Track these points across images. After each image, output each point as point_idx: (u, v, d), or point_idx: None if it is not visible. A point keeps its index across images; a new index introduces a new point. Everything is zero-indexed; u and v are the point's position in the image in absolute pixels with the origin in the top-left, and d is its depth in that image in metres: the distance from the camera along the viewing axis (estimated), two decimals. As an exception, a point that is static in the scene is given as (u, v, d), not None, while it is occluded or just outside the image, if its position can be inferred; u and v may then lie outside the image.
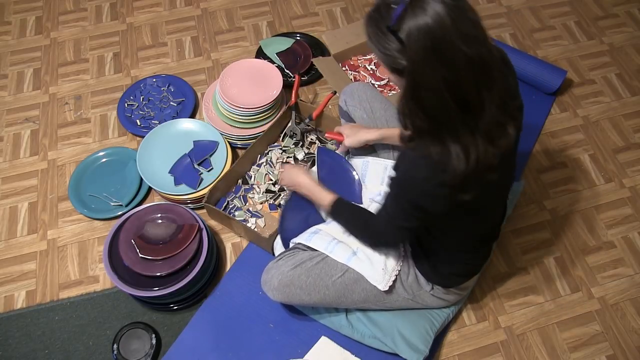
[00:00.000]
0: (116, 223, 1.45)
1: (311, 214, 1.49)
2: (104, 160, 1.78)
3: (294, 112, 1.76)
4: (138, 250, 1.39)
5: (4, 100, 1.97)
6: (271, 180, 1.70)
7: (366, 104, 1.48)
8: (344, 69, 1.99)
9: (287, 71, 1.98)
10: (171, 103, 1.90)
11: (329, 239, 1.32)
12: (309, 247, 1.34)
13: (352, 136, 1.44)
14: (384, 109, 1.48)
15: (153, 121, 1.85)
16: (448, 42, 0.84)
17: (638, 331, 1.52)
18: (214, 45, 2.13)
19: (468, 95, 0.89)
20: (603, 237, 1.69)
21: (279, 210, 1.64)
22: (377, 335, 1.38)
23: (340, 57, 1.97)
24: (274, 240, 1.55)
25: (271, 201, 1.67)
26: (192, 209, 1.58)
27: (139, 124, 1.85)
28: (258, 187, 1.69)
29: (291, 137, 1.77)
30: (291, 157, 1.73)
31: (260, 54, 2.04)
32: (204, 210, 1.66)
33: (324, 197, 1.29)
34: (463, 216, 1.07)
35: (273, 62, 2.00)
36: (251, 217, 1.64)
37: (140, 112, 1.88)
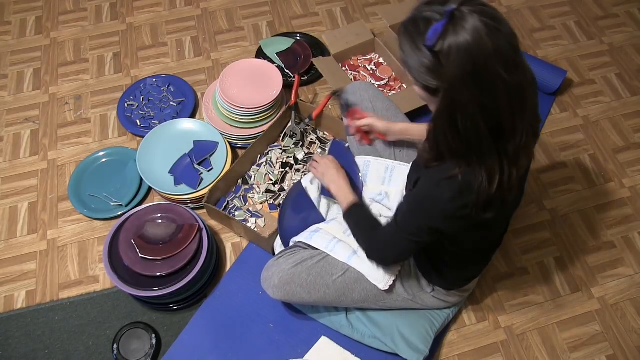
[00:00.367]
0: (116, 223, 1.45)
1: (310, 214, 1.49)
2: (104, 160, 1.78)
3: (294, 112, 1.76)
4: (138, 250, 1.39)
5: (4, 100, 1.97)
6: (271, 180, 1.70)
7: (368, 103, 1.48)
8: (344, 69, 1.99)
9: (287, 71, 1.98)
10: (171, 103, 1.90)
11: (330, 238, 1.32)
12: (309, 246, 1.34)
13: (378, 120, 1.41)
14: (386, 109, 1.48)
15: (153, 121, 1.85)
16: (488, 68, 0.81)
17: (638, 331, 1.52)
18: (214, 45, 2.13)
19: (503, 121, 0.87)
20: (603, 237, 1.69)
21: (278, 210, 1.64)
22: (377, 335, 1.38)
23: (340, 57, 1.97)
24: (274, 240, 1.55)
25: (271, 201, 1.67)
26: (192, 209, 1.58)
27: (139, 124, 1.85)
28: (258, 187, 1.70)
29: (291, 137, 1.77)
30: (291, 157, 1.73)
31: (260, 54, 2.04)
32: (204, 210, 1.66)
33: (348, 196, 1.29)
34: (474, 231, 1.07)
35: (273, 62, 2.00)
36: (251, 217, 1.64)
37: (140, 112, 1.88)
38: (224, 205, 1.65)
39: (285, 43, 2.07)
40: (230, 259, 1.61)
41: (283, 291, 1.28)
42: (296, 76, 1.80)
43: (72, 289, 1.56)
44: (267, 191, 1.68)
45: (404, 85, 1.95)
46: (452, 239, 1.11)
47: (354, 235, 1.26)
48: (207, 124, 1.75)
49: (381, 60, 2.03)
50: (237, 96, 1.69)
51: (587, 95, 2.04)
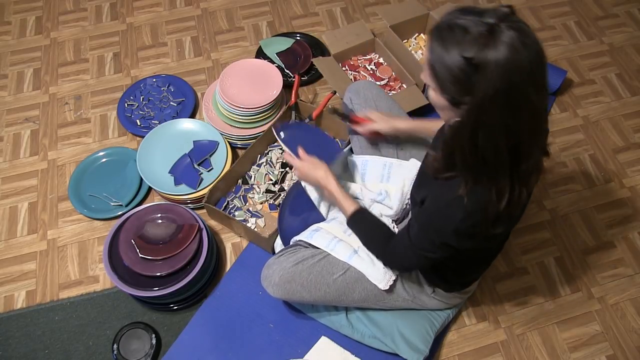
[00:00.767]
0: (116, 223, 1.45)
1: (311, 213, 1.49)
2: (104, 160, 1.78)
3: (294, 112, 1.76)
4: (138, 250, 1.39)
5: (4, 100, 1.97)
6: (271, 180, 1.70)
7: (372, 102, 1.48)
8: (344, 69, 1.99)
9: (287, 71, 1.98)
10: (171, 103, 1.90)
11: (330, 237, 1.32)
12: (310, 245, 1.34)
13: (383, 121, 1.39)
14: (389, 108, 1.48)
15: (153, 121, 1.85)
16: (520, 88, 0.80)
17: (638, 331, 1.52)
18: (214, 45, 2.13)
19: (522, 142, 0.87)
20: (603, 237, 1.69)
21: (278, 210, 1.64)
22: (377, 335, 1.38)
23: (340, 57, 1.97)
24: (274, 240, 1.55)
25: (271, 201, 1.67)
26: (192, 209, 1.58)
27: (139, 124, 1.85)
28: (258, 187, 1.69)
29: (291, 137, 1.77)
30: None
31: (260, 54, 2.04)
32: (204, 210, 1.66)
33: (346, 204, 1.26)
34: (482, 243, 1.07)
35: (273, 62, 2.00)
36: (251, 217, 1.64)
37: (140, 112, 1.88)
38: (224, 205, 1.65)
39: (285, 43, 2.07)
40: (230, 259, 1.61)
41: (283, 290, 1.28)
42: (296, 76, 1.80)
43: (72, 289, 1.56)
44: (267, 191, 1.68)
45: (403, 85, 1.95)
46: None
47: (364, 244, 1.25)
48: (207, 124, 1.75)
49: (381, 60, 2.03)
50: (237, 96, 1.69)
51: (587, 95, 2.04)
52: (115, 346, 1.41)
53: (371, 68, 2.00)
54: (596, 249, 1.67)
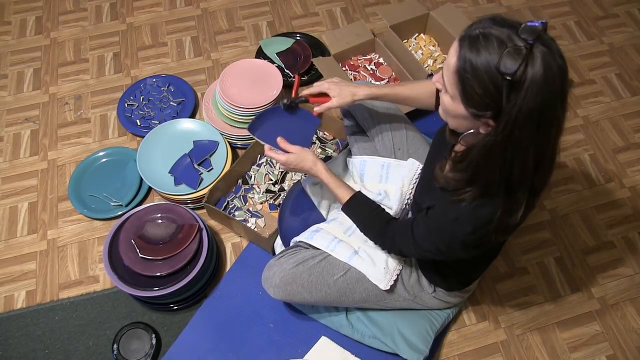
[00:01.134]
0: (116, 223, 1.45)
1: (311, 213, 1.49)
2: (104, 160, 1.78)
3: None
4: (138, 250, 1.39)
5: (4, 100, 1.97)
6: (271, 180, 1.70)
7: (369, 103, 1.48)
8: (344, 69, 1.99)
9: (287, 71, 1.98)
10: (171, 103, 1.90)
11: (331, 238, 1.32)
12: (310, 246, 1.34)
13: (339, 95, 1.31)
14: (386, 107, 1.48)
15: (153, 121, 1.85)
16: (551, 105, 0.79)
17: (638, 331, 1.52)
18: (214, 45, 2.13)
19: (545, 156, 0.86)
20: (603, 237, 1.69)
21: (278, 210, 1.64)
22: (377, 335, 1.38)
23: (340, 57, 1.97)
24: (274, 240, 1.55)
25: (271, 201, 1.67)
26: (192, 209, 1.58)
27: (139, 124, 1.85)
28: (258, 187, 1.69)
29: (291, 137, 1.77)
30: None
31: (260, 54, 2.04)
32: (204, 210, 1.66)
33: (339, 192, 1.25)
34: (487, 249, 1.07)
35: (273, 62, 2.00)
36: (251, 217, 1.64)
37: (140, 112, 1.88)
38: (224, 205, 1.65)
39: (285, 43, 2.07)
40: (230, 259, 1.61)
41: (284, 291, 1.28)
42: (296, 76, 1.81)
43: (72, 289, 1.56)
44: (267, 191, 1.68)
45: (404, 85, 1.95)
46: None
47: (361, 230, 1.24)
48: (207, 124, 1.75)
49: (381, 60, 2.03)
50: (237, 96, 1.69)
51: (587, 95, 2.04)
52: (115, 346, 1.41)
53: (371, 68, 2.00)
54: (596, 249, 1.67)
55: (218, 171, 1.66)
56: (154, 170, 1.65)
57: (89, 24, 2.19)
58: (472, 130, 0.91)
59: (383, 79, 1.96)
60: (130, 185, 1.70)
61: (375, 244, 1.24)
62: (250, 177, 1.72)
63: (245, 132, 1.74)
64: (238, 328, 1.47)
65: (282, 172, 1.70)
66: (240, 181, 1.71)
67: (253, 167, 1.74)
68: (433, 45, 2.08)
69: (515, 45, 0.77)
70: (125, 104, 1.91)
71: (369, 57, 2.04)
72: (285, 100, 1.37)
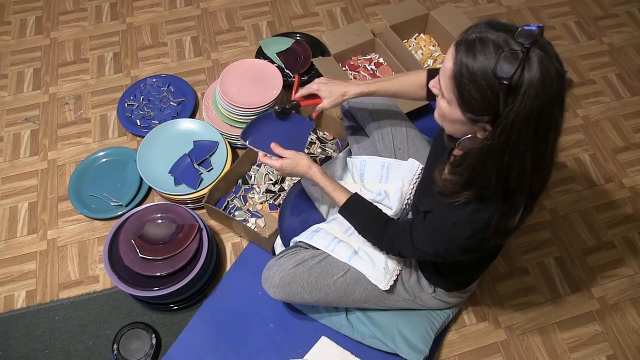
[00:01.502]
0: (116, 223, 1.45)
1: (311, 213, 1.49)
2: (104, 160, 1.78)
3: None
4: (138, 250, 1.39)
5: (4, 100, 1.97)
6: (271, 180, 1.70)
7: (369, 103, 1.48)
8: (344, 69, 1.99)
9: (287, 71, 1.98)
10: (171, 103, 1.90)
11: (330, 238, 1.32)
12: (310, 246, 1.34)
13: (330, 96, 1.31)
14: (386, 107, 1.48)
15: (153, 121, 1.85)
16: (550, 109, 0.79)
17: (638, 331, 1.52)
18: (214, 45, 2.13)
19: (542, 160, 0.86)
20: (603, 237, 1.69)
21: (278, 210, 1.64)
22: (377, 335, 1.38)
23: (340, 57, 1.97)
24: (274, 240, 1.55)
25: (271, 201, 1.67)
26: (192, 209, 1.58)
27: (139, 124, 1.85)
28: (258, 187, 1.69)
29: (291, 137, 1.77)
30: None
31: (260, 54, 2.04)
32: (204, 210, 1.66)
33: (336, 194, 1.25)
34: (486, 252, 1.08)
35: (273, 62, 2.00)
36: (251, 217, 1.64)
37: (140, 112, 1.88)
38: (224, 205, 1.65)
39: (285, 43, 2.07)
40: (230, 259, 1.61)
41: (284, 291, 1.28)
42: (296, 76, 1.80)
43: (72, 289, 1.56)
44: (267, 191, 1.68)
45: (404, 85, 1.95)
46: None
47: (358, 232, 1.24)
48: (207, 124, 1.75)
49: (381, 60, 2.03)
50: (237, 96, 1.69)
51: (587, 95, 2.04)
52: (115, 346, 1.41)
53: (371, 68, 2.00)
54: (596, 249, 1.67)
55: (218, 171, 1.66)
56: (154, 170, 1.65)
57: (89, 24, 2.19)
58: (469, 135, 0.90)
59: (383, 79, 1.96)
60: (130, 185, 1.70)
61: (374, 245, 1.24)
62: (250, 177, 1.72)
63: (245, 132, 1.74)
64: (238, 328, 1.47)
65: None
66: (240, 181, 1.71)
67: (253, 167, 1.74)
68: (433, 45, 2.08)
69: (512, 50, 0.76)
70: (125, 104, 1.91)
71: (369, 57, 2.04)
72: (276, 107, 1.37)
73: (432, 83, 0.93)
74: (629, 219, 1.73)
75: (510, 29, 0.79)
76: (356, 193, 1.25)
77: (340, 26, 2.20)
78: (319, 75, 1.96)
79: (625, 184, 1.81)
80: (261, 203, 1.67)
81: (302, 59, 2.01)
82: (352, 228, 1.37)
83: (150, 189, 1.72)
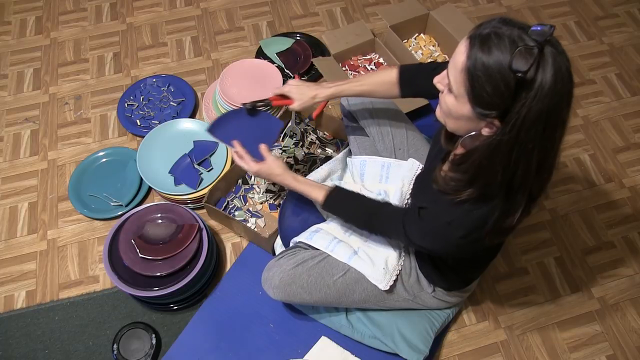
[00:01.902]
0: (116, 223, 1.45)
1: (311, 213, 1.49)
2: (104, 160, 1.78)
3: (294, 112, 1.76)
4: (138, 250, 1.39)
5: (4, 100, 1.97)
6: (271, 180, 1.70)
7: (368, 103, 1.48)
8: (344, 69, 1.99)
9: (287, 71, 1.98)
10: (171, 103, 1.90)
11: (330, 238, 1.32)
12: (310, 246, 1.34)
13: (300, 99, 1.32)
14: (386, 107, 1.48)
15: (153, 121, 1.85)
16: (559, 109, 0.79)
17: (638, 331, 1.52)
18: (214, 45, 2.13)
19: (547, 160, 0.86)
20: (603, 237, 1.69)
21: (278, 210, 1.64)
22: (377, 335, 1.38)
23: (340, 57, 1.97)
24: (274, 240, 1.55)
25: (271, 201, 1.67)
26: (192, 209, 1.58)
27: (139, 124, 1.85)
28: (258, 187, 1.69)
29: (291, 137, 1.77)
30: (291, 157, 1.73)
31: (260, 54, 2.04)
32: (204, 210, 1.66)
33: (314, 193, 1.24)
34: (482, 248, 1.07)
35: (273, 62, 2.00)
36: (251, 217, 1.64)
37: (140, 112, 1.88)
38: (224, 205, 1.65)
39: (285, 43, 2.07)
40: (230, 259, 1.61)
41: (284, 292, 1.28)
42: (296, 76, 1.80)
43: (72, 289, 1.56)
44: (267, 191, 1.68)
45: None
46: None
47: (346, 222, 1.23)
48: (207, 124, 1.75)
49: (381, 60, 2.03)
50: (237, 96, 1.69)
51: (587, 95, 2.04)
52: (115, 346, 1.41)
53: (371, 68, 2.00)
54: (596, 249, 1.67)
55: (218, 171, 1.66)
56: (154, 170, 1.65)
57: (89, 24, 2.19)
58: (473, 133, 0.90)
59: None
60: (130, 185, 1.70)
61: (362, 230, 1.24)
62: (250, 177, 1.72)
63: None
64: (238, 328, 1.47)
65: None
66: (240, 181, 1.71)
67: (253, 167, 1.74)
68: (433, 45, 2.08)
69: (527, 45, 0.77)
70: (125, 104, 1.91)
71: (369, 57, 2.04)
72: (247, 104, 1.37)
73: (437, 79, 0.92)
74: (629, 219, 1.73)
75: (522, 26, 0.80)
76: (336, 186, 1.24)
77: (340, 26, 2.20)
78: (319, 75, 1.96)
79: (625, 184, 1.81)
80: (261, 203, 1.67)
81: (302, 59, 2.01)
82: (353, 228, 1.37)
83: (150, 189, 1.72)
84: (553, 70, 0.77)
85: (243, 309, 1.50)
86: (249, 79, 1.75)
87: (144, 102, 1.91)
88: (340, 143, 1.79)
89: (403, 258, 1.30)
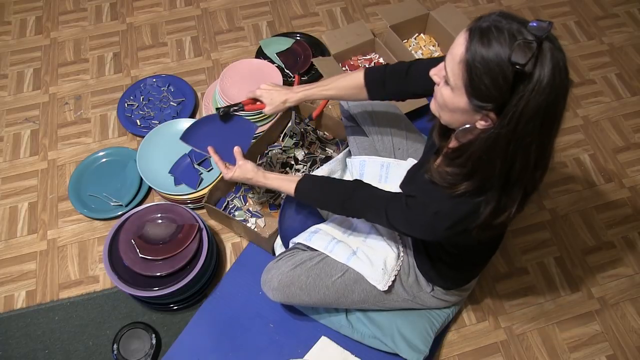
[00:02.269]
0: (116, 223, 1.45)
1: (311, 214, 1.49)
2: (104, 160, 1.78)
3: (294, 112, 1.76)
4: (138, 250, 1.39)
5: (4, 100, 1.97)
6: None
7: (368, 105, 1.48)
8: (344, 69, 1.99)
9: (287, 71, 1.98)
10: (171, 103, 1.90)
11: (329, 239, 1.32)
12: (308, 247, 1.34)
13: (271, 103, 1.33)
14: (386, 108, 1.48)
15: (153, 121, 1.85)
16: (557, 103, 0.80)
17: (638, 331, 1.52)
18: (214, 45, 2.13)
19: (542, 155, 0.86)
20: (603, 237, 1.69)
21: (278, 210, 1.64)
22: (377, 335, 1.38)
23: (340, 57, 1.97)
24: (274, 241, 1.55)
25: (271, 201, 1.67)
26: (192, 209, 1.58)
27: (139, 124, 1.85)
28: (258, 187, 1.69)
29: (291, 137, 1.77)
30: (291, 157, 1.73)
31: (260, 54, 2.04)
32: (204, 210, 1.66)
33: (285, 186, 1.26)
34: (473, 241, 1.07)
35: (273, 62, 2.00)
36: (251, 217, 1.64)
37: (140, 112, 1.88)
38: (224, 205, 1.65)
39: (285, 43, 2.07)
40: (230, 259, 1.61)
41: (283, 293, 1.28)
42: (296, 76, 1.80)
43: (72, 289, 1.56)
44: (267, 191, 1.68)
45: (404, 85, 1.95)
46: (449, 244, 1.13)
47: (320, 208, 1.24)
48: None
49: (381, 60, 2.03)
50: (237, 96, 1.69)
51: (587, 95, 2.04)
52: (115, 346, 1.41)
53: (371, 68, 1.99)
54: (596, 249, 1.67)
55: (218, 171, 1.66)
56: (154, 170, 1.65)
57: (89, 24, 2.19)
58: (467, 126, 0.90)
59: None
60: (130, 185, 1.70)
61: (339, 214, 1.24)
62: (250, 177, 1.72)
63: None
64: (238, 328, 1.47)
65: (282, 172, 1.70)
66: (240, 181, 1.71)
67: (253, 167, 1.74)
68: (433, 45, 2.08)
69: (526, 39, 0.77)
70: (125, 104, 1.91)
71: (369, 57, 2.04)
72: (220, 109, 1.38)
73: (433, 71, 0.92)
74: (629, 219, 1.73)
75: (522, 21, 0.80)
76: (305, 174, 1.24)
77: (340, 26, 2.20)
78: (319, 75, 1.96)
79: (625, 184, 1.81)
80: (261, 203, 1.67)
81: (302, 59, 2.01)
82: (352, 228, 1.37)
83: (150, 189, 1.72)
84: (551, 65, 0.77)
85: (243, 309, 1.50)
86: (248, 79, 1.75)
87: (144, 102, 1.91)
88: (340, 143, 1.79)
89: (402, 258, 1.30)
